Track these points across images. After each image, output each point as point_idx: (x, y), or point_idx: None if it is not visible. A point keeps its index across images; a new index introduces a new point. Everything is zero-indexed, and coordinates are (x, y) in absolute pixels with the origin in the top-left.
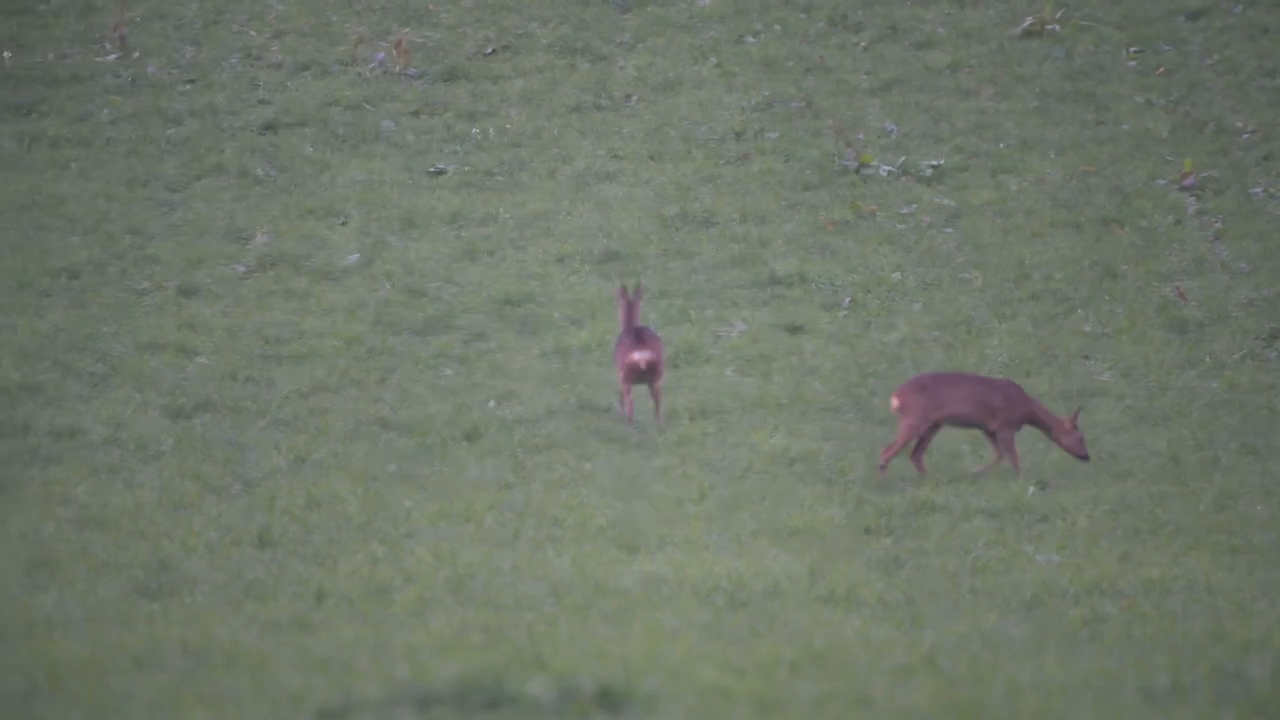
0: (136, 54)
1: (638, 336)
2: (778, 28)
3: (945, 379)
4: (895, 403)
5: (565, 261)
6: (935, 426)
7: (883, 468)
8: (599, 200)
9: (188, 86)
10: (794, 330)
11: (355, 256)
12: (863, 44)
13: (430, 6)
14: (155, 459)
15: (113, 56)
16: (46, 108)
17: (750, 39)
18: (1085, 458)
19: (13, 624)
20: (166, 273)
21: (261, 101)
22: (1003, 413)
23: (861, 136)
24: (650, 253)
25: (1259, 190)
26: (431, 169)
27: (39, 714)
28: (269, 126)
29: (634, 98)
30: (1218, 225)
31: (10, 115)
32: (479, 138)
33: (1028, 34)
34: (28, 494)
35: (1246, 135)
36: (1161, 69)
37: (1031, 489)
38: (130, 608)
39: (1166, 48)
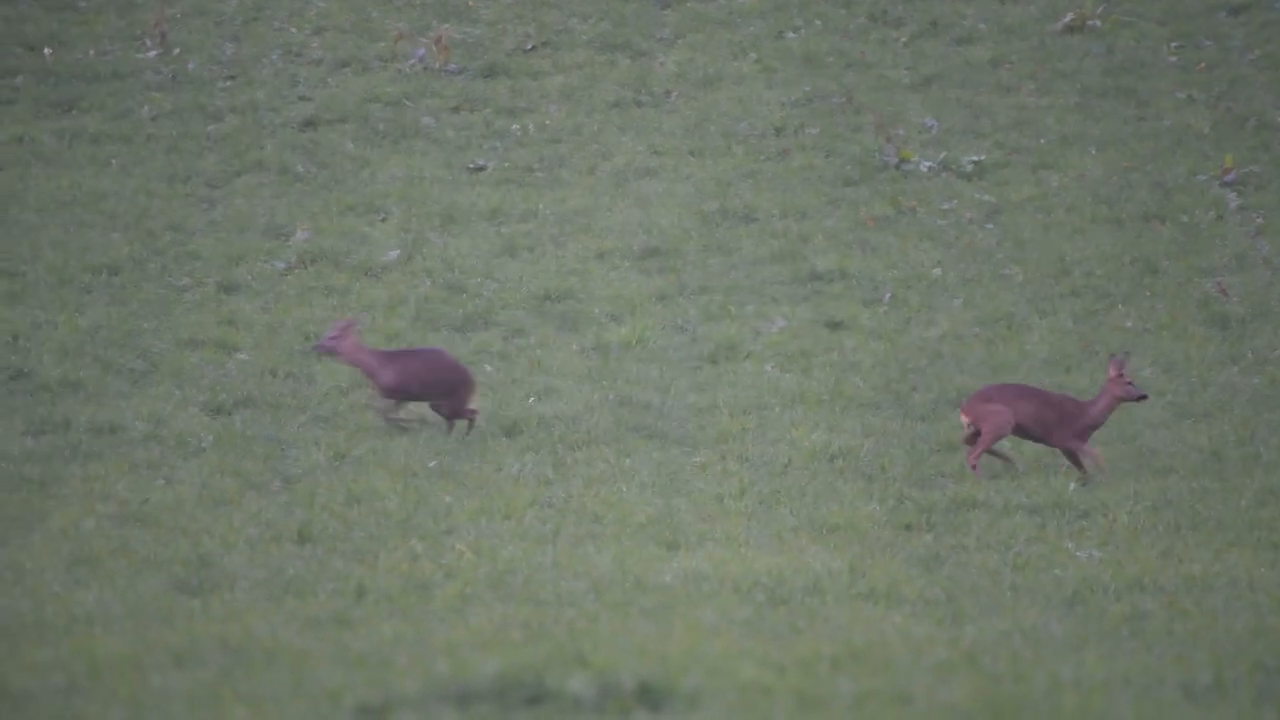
0: (177, 50)
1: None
2: (818, 23)
3: (1010, 391)
4: (966, 419)
5: (605, 257)
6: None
7: (974, 468)
8: (639, 196)
9: (228, 83)
10: (834, 326)
11: (395, 253)
12: (903, 39)
13: (470, 3)
14: (195, 455)
15: (153, 53)
16: (87, 104)
17: (790, 34)
18: (1143, 397)
19: (54, 620)
20: (207, 269)
21: (302, 98)
22: (1060, 431)
23: (902, 132)
24: (690, 248)
25: None
26: (471, 165)
27: (79, 710)
28: (309, 123)
29: (674, 94)
30: (1259, 220)
31: (51, 112)
32: (519, 134)
33: (1069, 29)
34: (68, 490)
35: None
36: (1203, 64)
37: (1073, 485)
38: (170, 604)
39: (1208, 43)
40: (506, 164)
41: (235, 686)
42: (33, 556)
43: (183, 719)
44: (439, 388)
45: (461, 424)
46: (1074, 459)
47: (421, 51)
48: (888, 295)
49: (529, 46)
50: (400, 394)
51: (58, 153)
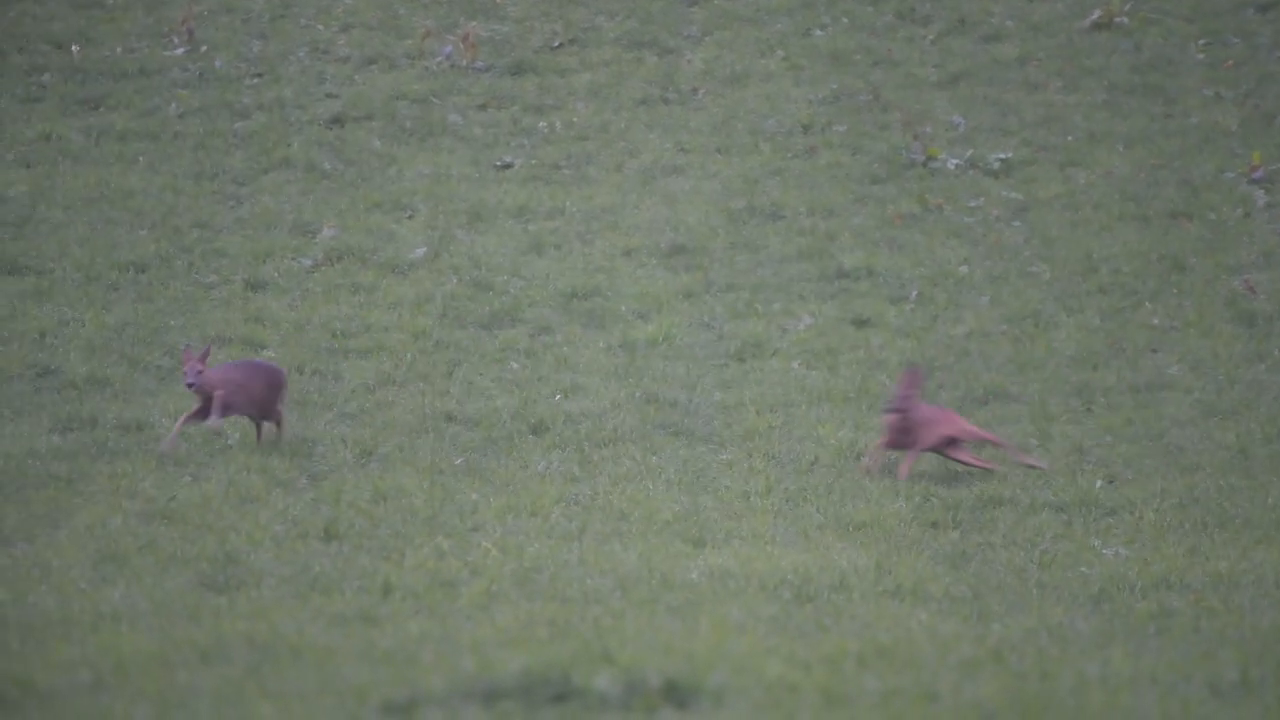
0: (204, 48)
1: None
2: (845, 20)
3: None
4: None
5: (632, 255)
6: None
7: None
8: (666, 193)
9: (255, 80)
10: (861, 323)
11: (422, 250)
12: (930, 37)
13: (498, 0)
14: (222, 452)
15: (180, 50)
16: (114, 101)
17: (818, 32)
18: (892, 410)
19: (80, 617)
20: (234, 266)
21: (329, 95)
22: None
23: (929, 129)
24: (717, 246)
25: None
26: (498, 162)
27: (106, 707)
28: (336, 120)
29: (701, 91)
30: None
31: (78, 109)
32: (546, 131)
33: (1096, 27)
34: (95, 487)
35: None
36: (1230, 61)
37: (1099, 483)
38: (197, 601)
39: (1235, 40)
40: (533, 161)
41: (262, 683)
42: (59, 553)
43: (209, 716)
44: (272, 400)
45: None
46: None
47: (449, 49)
48: (914, 293)
49: (556, 44)
50: (238, 412)
51: (85, 150)
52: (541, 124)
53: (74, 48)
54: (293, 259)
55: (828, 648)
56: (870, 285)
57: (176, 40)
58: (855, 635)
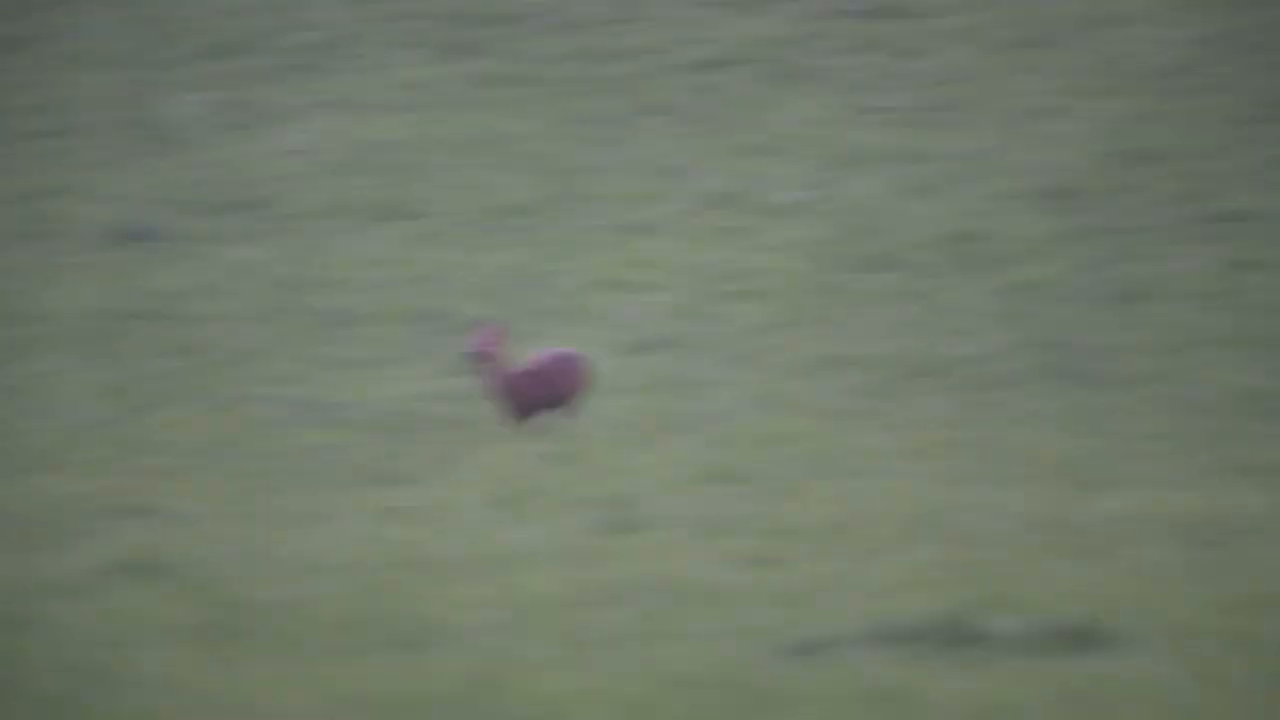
0: None
1: None
2: None
3: None
4: None
5: (1010, 197)
6: None
7: None
8: (1042, 135)
9: (621, 27)
10: (1246, 266)
11: (797, 194)
12: None
13: None
14: (613, 394)
15: None
16: (485, 47)
17: None
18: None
19: (481, 557)
20: (613, 210)
21: (699, 40)
22: None
23: None
24: (1096, 188)
25: None
26: (872, 105)
27: (514, 646)
28: (707, 64)
29: (1074, 32)
30: None
31: (452, 55)
32: (919, 74)
33: None
34: (487, 430)
35: None
36: None
37: None
38: (596, 543)
39: None
40: (907, 104)
41: (666, 625)
42: (456, 493)
43: (619, 656)
44: None
45: None
46: None
47: None
48: None
49: None
50: None
51: (461, 95)
52: (913, 66)
53: None
54: (670, 203)
55: (1236, 592)
56: (1255, 227)
57: None
58: (1265, 579)
